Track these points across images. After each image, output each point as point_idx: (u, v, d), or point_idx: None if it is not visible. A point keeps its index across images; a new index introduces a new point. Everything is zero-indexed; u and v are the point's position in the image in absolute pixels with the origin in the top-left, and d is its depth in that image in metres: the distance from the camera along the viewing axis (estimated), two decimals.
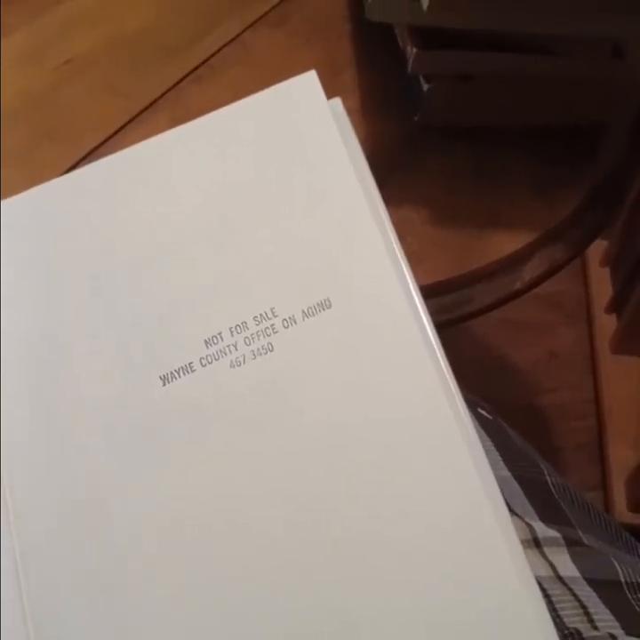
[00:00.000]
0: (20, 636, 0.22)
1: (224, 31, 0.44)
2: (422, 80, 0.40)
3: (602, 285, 1.16)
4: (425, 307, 0.25)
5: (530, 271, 0.40)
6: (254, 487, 0.23)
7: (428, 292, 0.25)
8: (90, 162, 0.28)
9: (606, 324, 1.13)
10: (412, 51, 0.38)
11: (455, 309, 0.38)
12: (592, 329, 1.16)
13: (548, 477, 0.35)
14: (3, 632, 0.22)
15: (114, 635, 0.22)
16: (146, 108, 0.41)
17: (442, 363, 0.24)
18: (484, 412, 0.38)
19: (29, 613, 0.23)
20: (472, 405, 0.38)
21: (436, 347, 0.24)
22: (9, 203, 0.28)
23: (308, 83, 0.28)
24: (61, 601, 0.23)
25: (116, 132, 0.40)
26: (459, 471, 0.23)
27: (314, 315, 0.25)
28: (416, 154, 0.41)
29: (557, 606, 0.27)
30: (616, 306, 1.12)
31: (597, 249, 1.16)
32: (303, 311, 0.25)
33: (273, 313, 0.25)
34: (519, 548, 0.22)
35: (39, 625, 0.22)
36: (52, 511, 0.24)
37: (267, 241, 0.26)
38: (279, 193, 0.27)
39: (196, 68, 0.43)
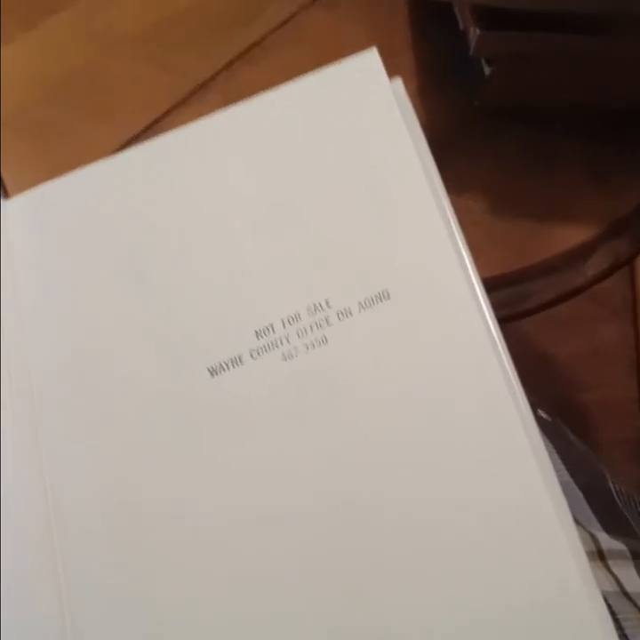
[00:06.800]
0: (56, 624, 0.22)
1: (277, 11, 0.43)
2: (483, 62, 0.38)
3: None
4: (488, 301, 0.24)
5: (593, 266, 0.38)
6: (305, 485, 0.22)
7: (487, 286, 0.24)
8: (138, 143, 0.27)
9: None
10: (475, 32, 0.36)
11: (514, 305, 0.36)
12: (637, 326, 1.13)
13: (611, 485, 0.33)
14: (39, 620, 0.22)
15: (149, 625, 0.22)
16: (197, 88, 0.40)
17: (505, 361, 0.23)
18: (543, 414, 0.37)
19: (66, 605, 0.22)
20: (533, 407, 0.36)
21: (499, 344, 0.23)
22: (46, 188, 0.27)
23: (370, 60, 0.26)
24: (98, 594, 0.22)
25: (166, 113, 0.39)
26: (523, 477, 0.22)
27: (370, 306, 0.24)
28: (475, 139, 0.40)
29: (624, 625, 0.26)
30: None
31: None
32: (360, 302, 0.24)
33: (327, 304, 0.24)
34: (585, 560, 0.21)
35: (76, 616, 0.22)
36: (94, 509, 0.23)
37: (322, 228, 0.25)
38: (336, 177, 0.25)
39: (249, 49, 0.41)
